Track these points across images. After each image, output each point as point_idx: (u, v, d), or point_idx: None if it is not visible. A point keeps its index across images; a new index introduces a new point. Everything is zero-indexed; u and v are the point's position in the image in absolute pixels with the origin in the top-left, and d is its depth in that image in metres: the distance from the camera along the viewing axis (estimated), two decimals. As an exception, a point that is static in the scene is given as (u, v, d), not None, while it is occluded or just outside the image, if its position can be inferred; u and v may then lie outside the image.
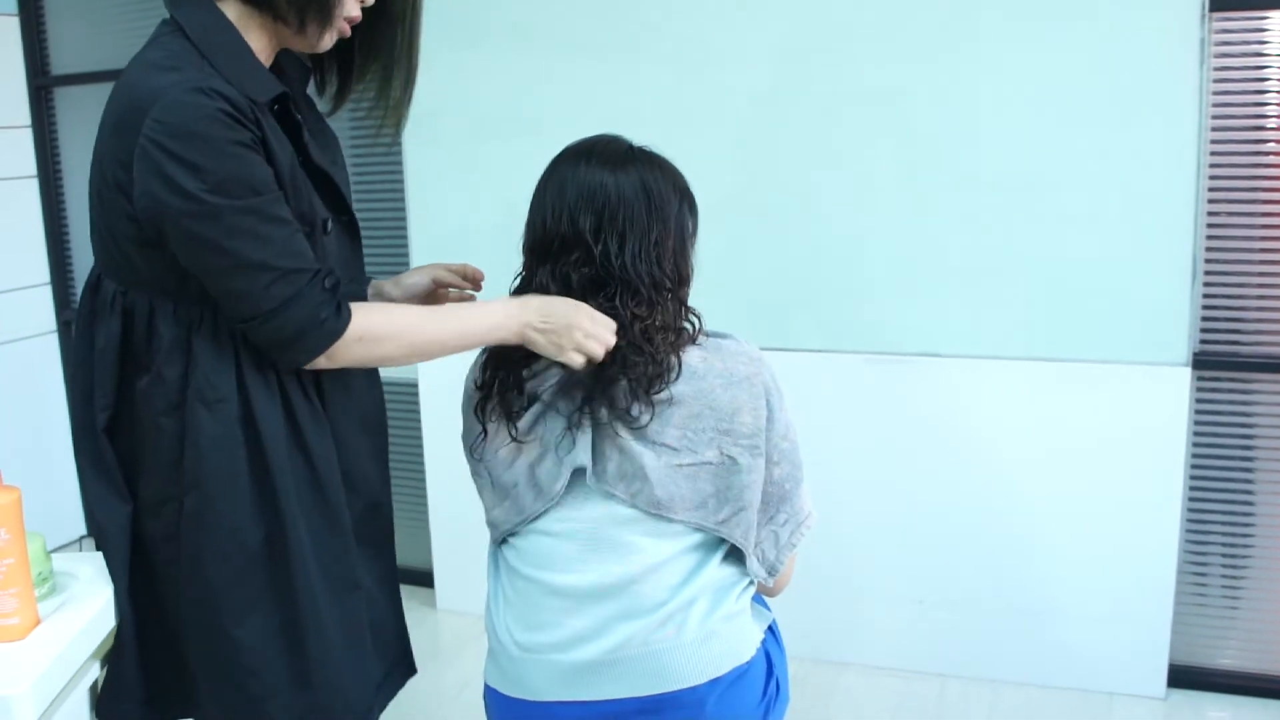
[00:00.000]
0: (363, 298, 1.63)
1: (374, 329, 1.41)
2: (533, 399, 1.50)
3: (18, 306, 3.59)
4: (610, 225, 1.46)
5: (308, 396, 1.48)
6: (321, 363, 1.40)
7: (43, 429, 3.63)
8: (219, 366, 1.40)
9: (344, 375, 1.51)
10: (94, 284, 1.48)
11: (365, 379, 1.59)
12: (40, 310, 3.68)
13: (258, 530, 1.43)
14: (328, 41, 1.46)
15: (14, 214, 3.59)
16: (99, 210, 1.43)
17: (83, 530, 3.68)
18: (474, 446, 1.58)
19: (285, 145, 1.41)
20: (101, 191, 1.40)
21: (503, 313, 1.47)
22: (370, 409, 1.61)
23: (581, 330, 1.43)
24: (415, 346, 1.47)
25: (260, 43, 1.43)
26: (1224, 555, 2.58)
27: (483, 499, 1.60)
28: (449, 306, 1.51)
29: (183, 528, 1.43)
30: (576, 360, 1.44)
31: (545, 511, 1.50)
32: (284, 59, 1.52)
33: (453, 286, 1.77)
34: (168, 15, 1.44)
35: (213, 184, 1.29)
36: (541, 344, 1.45)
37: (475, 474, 1.60)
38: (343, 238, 1.54)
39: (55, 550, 1.51)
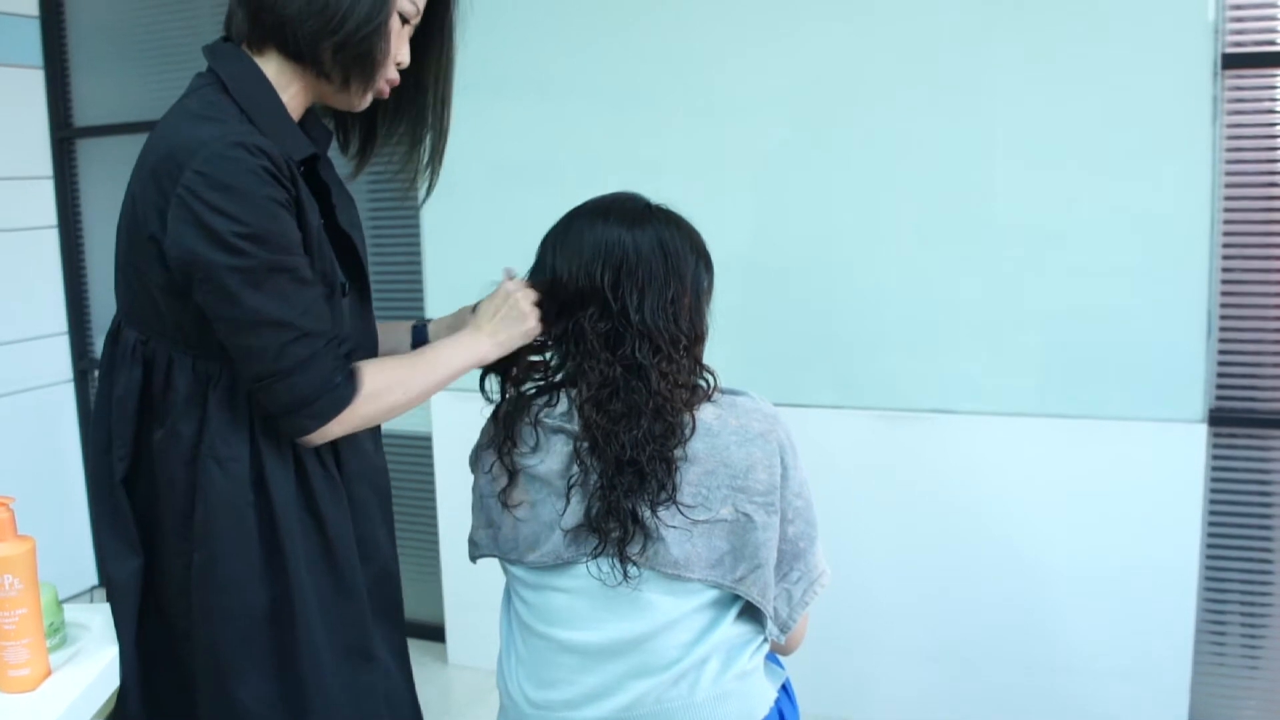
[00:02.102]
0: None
1: (377, 388, 1.41)
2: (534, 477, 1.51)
3: (35, 355, 3.62)
4: (628, 281, 1.46)
5: (322, 461, 1.46)
6: (333, 430, 1.39)
7: (58, 478, 3.65)
8: (233, 424, 1.39)
9: (355, 438, 1.50)
10: (114, 332, 1.48)
11: (373, 442, 1.58)
12: (57, 359, 3.70)
13: (264, 592, 1.41)
14: (367, 101, 1.48)
15: (34, 263, 3.63)
16: (128, 255, 1.41)
17: (94, 580, 3.67)
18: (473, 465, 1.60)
19: (314, 206, 1.41)
20: (133, 236, 1.39)
21: (470, 343, 1.52)
22: (379, 472, 1.60)
23: (519, 305, 1.52)
24: (412, 397, 1.47)
25: (296, 100, 1.44)
26: (1243, 614, 2.55)
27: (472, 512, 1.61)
28: (424, 351, 1.52)
29: (192, 584, 1.41)
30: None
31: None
32: (308, 121, 1.52)
33: None
34: (204, 68, 1.44)
35: (249, 239, 1.29)
36: (511, 341, 1.53)
37: (474, 487, 1.61)
38: (355, 302, 1.53)
39: (67, 600, 1.51)
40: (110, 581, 1.46)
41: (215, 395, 1.39)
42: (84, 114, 3.67)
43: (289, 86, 1.42)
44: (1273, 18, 2.38)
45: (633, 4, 2.79)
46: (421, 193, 1.66)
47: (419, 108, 1.58)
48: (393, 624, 1.60)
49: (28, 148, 3.58)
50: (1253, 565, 2.52)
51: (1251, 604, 2.54)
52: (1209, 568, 2.53)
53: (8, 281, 3.52)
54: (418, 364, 1.49)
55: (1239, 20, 2.39)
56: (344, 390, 1.37)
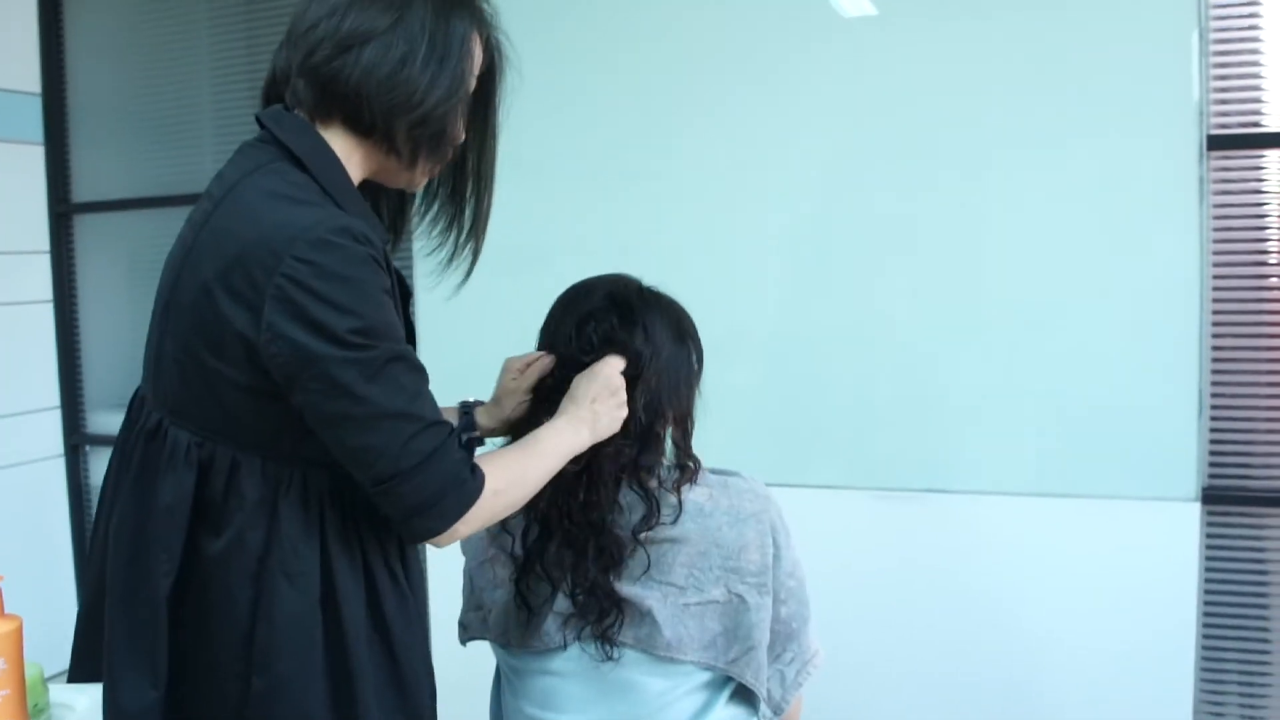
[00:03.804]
0: None
1: (500, 484, 1.28)
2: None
3: (26, 429, 3.60)
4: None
5: (390, 569, 1.33)
6: (461, 530, 1.25)
7: (45, 554, 3.62)
8: (305, 535, 1.26)
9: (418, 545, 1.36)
10: (152, 430, 1.30)
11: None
12: (49, 434, 3.69)
13: None
14: (425, 179, 1.42)
15: (28, 337, 3.63)
16: (188, 349, 1.26)
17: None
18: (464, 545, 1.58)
19: (394, 291, 1.30)
20: (204, 331, 1.24)
21: (572, 431, 1.40)
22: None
23: (621, 394, 1.43)
24: (529, 490, 1.35)
25: (356, 177, 1.34)
26: (1240, 692, 2.53)
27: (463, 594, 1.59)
28: (531, 442, 1.38)
29: (248, 710, 1.26)
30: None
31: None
32: None
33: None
34: (257, 136, 1.33)
35: (365, 330, 1.19)
36: (608, 431, 1.42)
37: (464, 570, 1.60)
38: None
39: (52, 678, 1.49)
40: (121, 712, 1.27)
41: (286, 502, 1.26)
42: (82, 190, 3.70)
43: (350, 162, 1.33)
44: (1256, 99, 2.42)
45: (630, 85, 2.82)
46: (460, 272, 1.54)
47: (455, 184, 1.51)
48: None
49: (26, 222, 3.60)
50: (1249, 643, 2.50)
51: (1249, 682, 2.52)
52: (1205, 645, 2.51)
53: (1, 355, 3.52)
54: (530, 456, 1.36)
55: (1223, 102, 2.42)
56: (472, 486, 1.24)
